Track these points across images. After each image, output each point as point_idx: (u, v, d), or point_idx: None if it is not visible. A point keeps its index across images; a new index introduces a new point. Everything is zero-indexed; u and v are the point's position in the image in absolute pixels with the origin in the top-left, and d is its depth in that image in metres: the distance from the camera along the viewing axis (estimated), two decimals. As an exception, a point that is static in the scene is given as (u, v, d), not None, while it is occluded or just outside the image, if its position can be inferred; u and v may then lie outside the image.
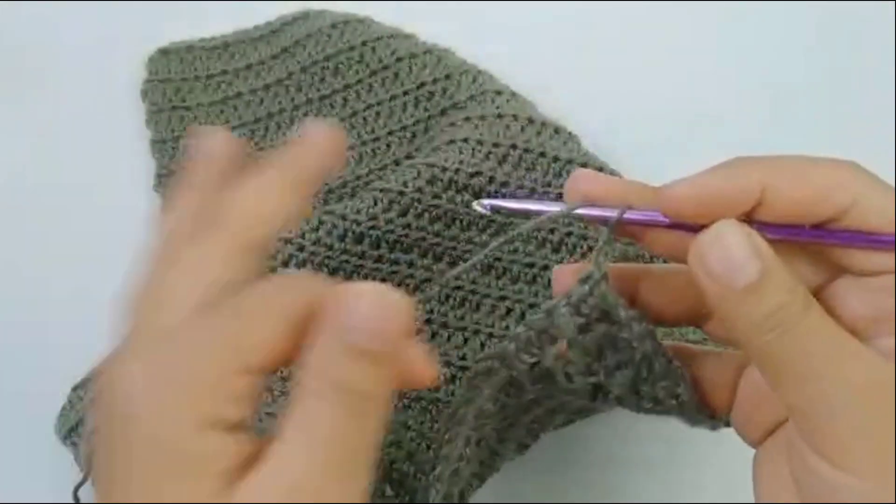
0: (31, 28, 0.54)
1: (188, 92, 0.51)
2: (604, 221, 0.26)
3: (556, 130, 0.44)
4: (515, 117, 0.44)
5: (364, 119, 0.48)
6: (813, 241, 0.25)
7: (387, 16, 0.51)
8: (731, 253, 0.23)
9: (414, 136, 0.47)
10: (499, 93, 0.46)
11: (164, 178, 0.48)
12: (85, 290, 0.45)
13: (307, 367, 0.22)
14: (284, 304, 0.23)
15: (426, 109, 0.47)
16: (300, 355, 0.22)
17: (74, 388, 0.39)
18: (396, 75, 0.48)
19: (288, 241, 0.40)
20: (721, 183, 0.24)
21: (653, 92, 0.50)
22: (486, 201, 0.28)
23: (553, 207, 0.27)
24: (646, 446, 0.42)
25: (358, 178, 0.47)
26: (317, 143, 0.26)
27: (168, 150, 0.49)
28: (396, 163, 0.47)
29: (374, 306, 0.22)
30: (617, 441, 0.42)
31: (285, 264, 0.40)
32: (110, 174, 0.49)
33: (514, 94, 0.47)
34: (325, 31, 0.50)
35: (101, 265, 0.45)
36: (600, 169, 0.44)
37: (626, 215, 0.26)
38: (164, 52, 0.52)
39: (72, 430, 0.38)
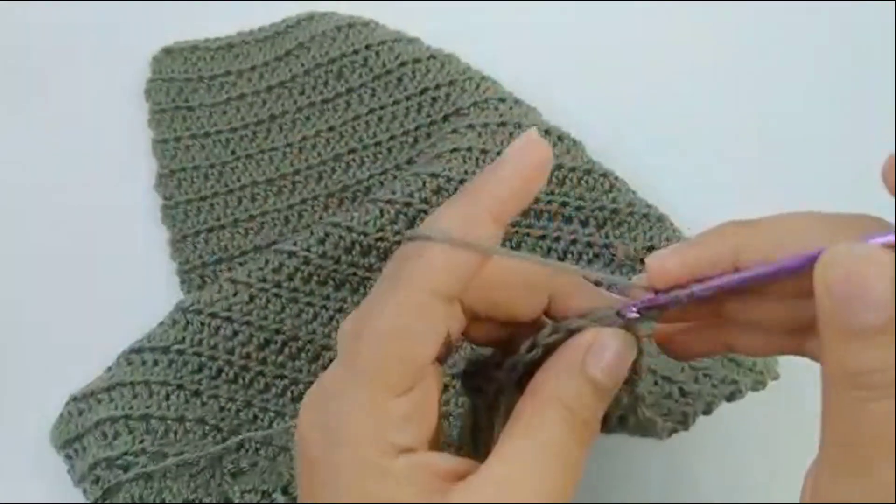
0: (36, 27, 0.54)
1: (192, 92, 0.51)
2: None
3: (560, 137, 0.44)
4: (519, 125, 0.44)
5: (366, 123, 0.48)
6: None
7: (389, 15, 0.51)
8: (860, 286, 0.20)
9: (416, 141, 0.47)
10: (502, 100, 0.46)
11: (165, 178, 0.48)
12: (86, 290, 0.45)
13: (538, 390, 0.25)
14: (440, 331, 0.24)
15: (429, 115, 0.47)
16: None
17: (74, 399, 0.39)
18: (400, 80, 0.48)
19: (292, 255, 0.40)
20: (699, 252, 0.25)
21: (653, 93, 0.50)
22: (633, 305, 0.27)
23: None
24: (646, 445, 0.42)
25: (359, 182, 0.47)
26: (522, 163, 0.25)
27: (170, 150, 0.49)
28: (398, 167, 0.47)
29: (617, 350, 0.25)
30: (616, 441, 0.42)
31: (290, 277, 0.40)
32: (112, 173, 0.49)
33: (517, 102, 0.47)
34: (329, 34, 0.50)
35: (102, 265, 0.46)
36: (603, 175, 0.43)
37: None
38: (168, 52, 0.53)
39: (68, 442, 0.38)
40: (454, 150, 0.43)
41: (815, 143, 0.48)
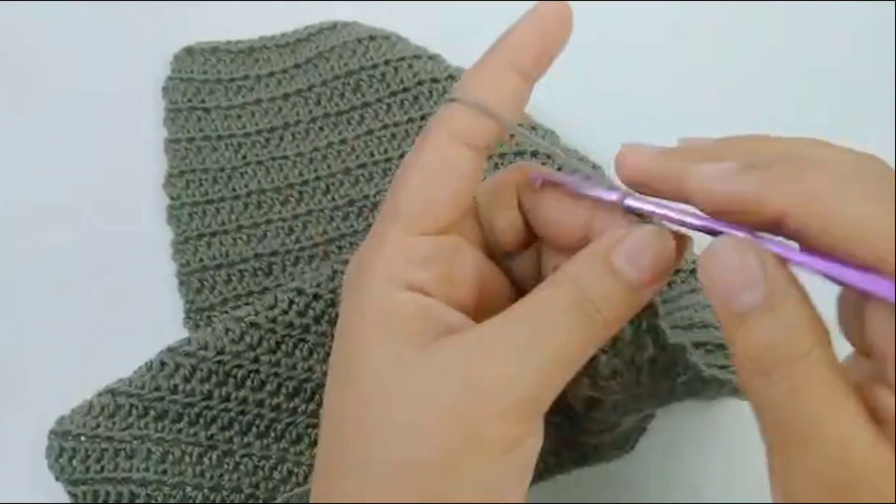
0: (50, 26, 0.54)
1: (208, 93, 0.51)
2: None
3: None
4: (535, 153, 0.43)
5: (379, 139, 0.48)
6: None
7: (389, 15, 0.51)
8: (729, 271, 0.21)
9: (427, 161, 0.46)
10: (519, 124, 0.45)
11: (174, 179, 0.48)
12: (88, 290, 0.45)
13: (561, 270, 0.24)
14: (464, 177, 0.25)
15: (441, 136, 0.46)
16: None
17: (54, 434, 0.37)
18: (416, 98, 0.47)
19: (240, 320, 0.37)
20: (737, 193, 0.22)
21: (653, 93, 0.50)
22: (537, 173, 0.27)
23: (609, 195, 0.25)
24: (646, 445, 0.41)
25: (366, 197, 0.46)
26: (541, 21, 0.25)
27: (181, 151, 0.49)
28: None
29: (650, 245, 0.24)
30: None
31: (235, 342, 0.37)
32: (123, 171, 0.49)
33: (532, 129, 0.46)
34: (350, 46, 0.50)
35: (107, 264, 0.46)
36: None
37: (664, 212, 0.24)
38: (189, 52, 0.52)
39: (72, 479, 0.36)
40: None
41: None
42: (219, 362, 0.37)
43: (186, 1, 0.55)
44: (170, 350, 0.38)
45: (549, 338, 0.23)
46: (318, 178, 0.47)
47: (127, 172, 0.49)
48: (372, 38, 0.50)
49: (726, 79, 0.51)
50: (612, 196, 0.25)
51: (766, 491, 0.37)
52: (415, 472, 0.23)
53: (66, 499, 0.37)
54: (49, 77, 0.52)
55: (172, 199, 0.47)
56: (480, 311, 0.27)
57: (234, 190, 0.48)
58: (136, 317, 0.45)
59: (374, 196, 0.46)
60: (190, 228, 0.46)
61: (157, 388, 0.37)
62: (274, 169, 0.48)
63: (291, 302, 0.37)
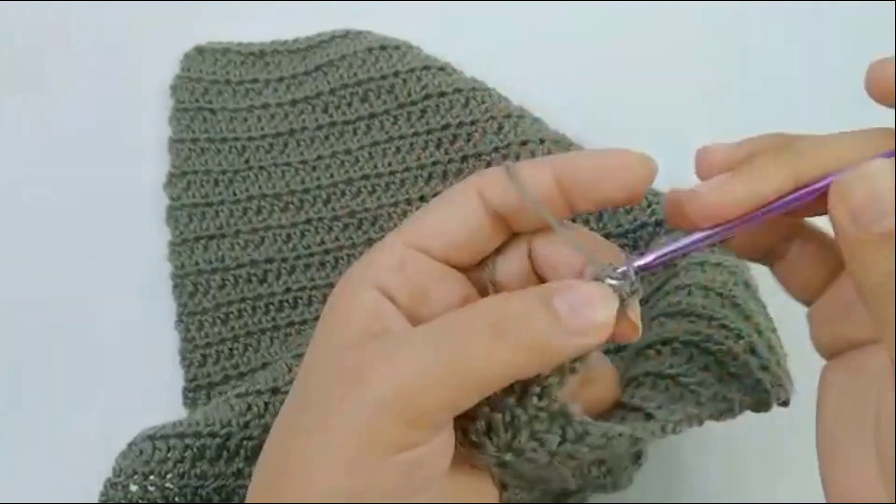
0: (56, 24, 0.54)
1: (216, 94, 0.51)
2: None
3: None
4: None
5: (384, 151, 0.47)
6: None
7: (389, 15, 0.51)
8: (880, 195, 0.22)
9: (430, 177, 0.46)
10: (524, 143, 0.44)
11: (175, 179, 0.47)
12: (86, 287, 0.45)
13: (495, 295, 0.25)
14: (468, 218, 0.26)
15: (447, 153, 0.46)
16: None
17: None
18: (423, 112, 0.47)
19: (215, 435, 0.33)
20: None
21: (652, 93, 0.49)
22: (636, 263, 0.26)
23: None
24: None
25: (366, 209, 0.46)
26: (624, 166, 0.26)
27: (184, 151, 0.48)
28: (408, 202, 0.45)
29: (595, 295, 0.24)
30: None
31: (211, 461, 0.33)
32: (128, 171, 0.49)
33: (541, 141, 0.45)
34: (360, 55, 0.49)
35: (108, 264, 0.45)
36: None
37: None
38: (200, 51, 0.52)
39: None
40: None
41: None
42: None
43: (203, 0, 0.54)
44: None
45: (451, 354, 0.23)
46: (319, 187, 0.47)
47: (130, 171, 0.49)
48: (383, 48, 0.49)
49: (726, 79, 0.51)
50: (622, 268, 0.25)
51: (766, 491, 0.38)
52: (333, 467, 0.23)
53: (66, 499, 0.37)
54: (56, 73, 0.52)
55: (172, 199, 0.47)
56: None
57: (234, 194, 0.47)
58: (128, 317, 0.45)
59: (376, 209, 0.46)
60: (188, 230, 0.46)
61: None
62: (276, 175, 0.48)
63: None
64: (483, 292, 0.28)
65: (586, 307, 0.23)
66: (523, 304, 0.23)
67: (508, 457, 0.25)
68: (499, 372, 0.23)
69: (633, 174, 0.25)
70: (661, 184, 0.43)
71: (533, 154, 0.44)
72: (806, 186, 0.24)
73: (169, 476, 0.32)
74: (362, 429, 0.23)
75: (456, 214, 0.26)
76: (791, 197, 0.24)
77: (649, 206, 0.41)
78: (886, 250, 0.22)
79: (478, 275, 0.28)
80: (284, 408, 0.26)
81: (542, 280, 0.27)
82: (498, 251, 0.27)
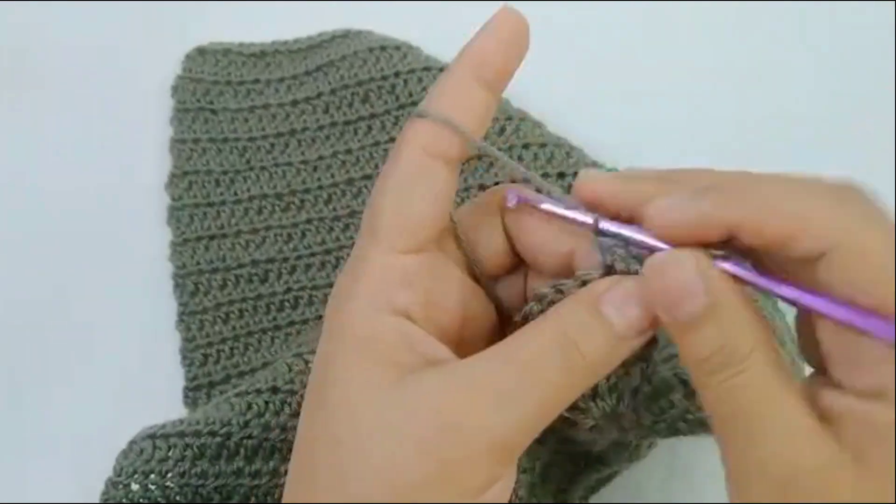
0: (57, 24, 0.54)
1: (217, 95, 0.51)
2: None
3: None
4: (546, 175, 0.43)
5: (384, 151, 0.47)
6: (778, 292, 0.22)
7: (388, 15, 0.51)
8: (673, 284, 0.22)
9: (431, 176, 0.46)
10: (526, 146, 0.44)
11: (177, 179, 0.48)
12: (92, 289, 0.45)
13: (548, 314, 0.24)
14: (440, 190, 0.25)
15: (447, 152, 0.46)
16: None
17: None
18: (423, 113, 0.47)
19: (215, 434, 0.33)
20: (693, 216, 0.23)
21: (652, 94, 0.49)
22: (514, 192, 0.26)
23: (585, 218, 0.25)
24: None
25: (367, 209, 0.46)
26: (499, 31, 0.26)
27: (186, 151, 0.49)
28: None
29: (639, 297, 0.23)
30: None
31: (212, 460, 0.33)
32: (129, 171, 0.49)
33: (542, 146, 0.45)
34: (361, 55, 0.49)
35: (110, 263, 0.46)
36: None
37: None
38: (201, 52, 0.52)
39: None
40: None
41: (815, 143, 0.47)
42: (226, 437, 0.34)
43: (204, 1, 0.54)
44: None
45: (531, 385, 0.23)
46: (320, 187, 0.47)
47: (130, 171, 0.49)
48: (383, 48, 0.49)
49: (725, 78, 0.51)
50: (588, 219, 0.25)
51: None
52: None
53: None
54: (57, 74, 0.52)
55: (174, 199, 0.47)
56: (464, 336, 0.26)
57: (235, 194, 0.47)
58: (130, 317, 0.45)
59: (376, 208, 0.46)
60: (189, 230, 0.46)
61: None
62: (277, 175, 0.48)
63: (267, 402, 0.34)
64: (472, 272, 0.28)
65: (633, 307, 0.23)
66: (580, 324, 0.23)
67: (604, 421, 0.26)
68: (574, 394, 0.24)
69: (524, 32, 0.26)
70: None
71: (536, 157, 0.44)
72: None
73: (170, 475, 0.32)
74: (460, 470, 0.22)
75: (427, 191, 0.25)
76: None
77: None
78: (688, 338, 0.22)
79: (457, 252, 0.27)
80: (328, 456, 0.23)
81: (516, 252, 0.27)
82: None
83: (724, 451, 0.22)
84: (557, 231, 0.26)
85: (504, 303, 0.29)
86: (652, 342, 0.25)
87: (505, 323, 0.28)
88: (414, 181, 0.25)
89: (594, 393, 0.26)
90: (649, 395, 0.27)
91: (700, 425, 0.28)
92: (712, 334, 0.21)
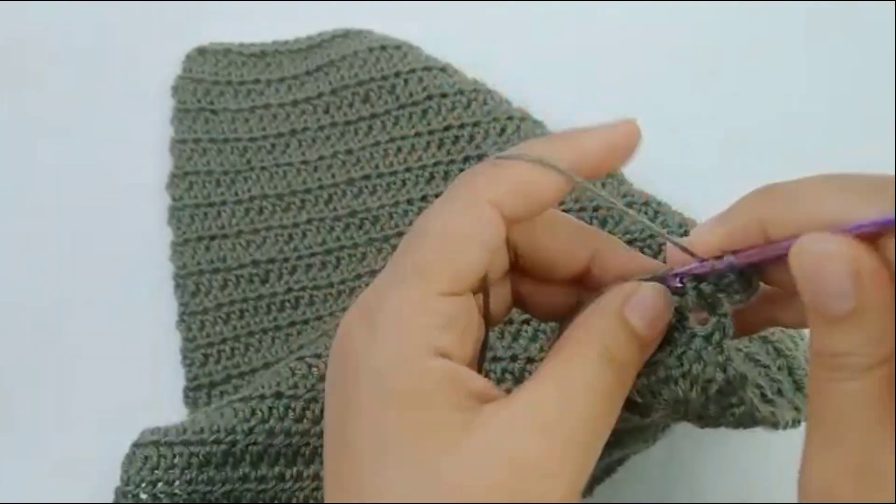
0: (57, 24, 0.54)
1: (218, 95, 0.51)
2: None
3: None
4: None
5: (385, 151, 0.47)
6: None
7: (388, 15, 0.52)
8: (827, 278, 0.21)
9: (432, 177, 0.46)
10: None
11: (177, 179, 0.48)
12: (93, 289, 0.45)
13: (577, 328, 0.25)
14: (484, 235, 0.24)
15: (449, 153, 0.46)
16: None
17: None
18: (424, 113, 0.47)
19: (220, 442, 0.33)
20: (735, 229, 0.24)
21: (652, 93, 0.50)
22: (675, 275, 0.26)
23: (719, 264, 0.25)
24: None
25: (368, 209, 0.46)
26: (610, 135, 0.26)
27: (186, 151, 0.49)
28: (409, 202, 0.46)
29: (656, 303, 0.25)
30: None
31: (218, 467, 0.33)
32: (129, 171, 0.49)
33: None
34: (361, 55, 0.49)
35: (111, 264, 0.46)
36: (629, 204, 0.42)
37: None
38: (201, 52, 0.52)
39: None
40: None
41: (815, 143, 0.47)
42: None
43: (204, 1, 0.54)
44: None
45: (590, 406, 0.23)
46: (321, 188, 0.47)
47: (130, 171, 0.49)
48: (383, 48, 0.49)
49: (725, 78, 0.51)
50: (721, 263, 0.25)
51: (766, 491, 0.37)
52: None
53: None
54: (58, 74, 0.52)
55: (174, 200, 0.47)
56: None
57: (236, 194, 0.47)
58: (130, 317, 0.45)
59: (377, 209, 0.46)
60: (190, 230, 0.46)
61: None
62: (277, 175, 0.48)
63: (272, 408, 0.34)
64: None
65: (652, 312, 0.24)
66: (615, 335, 0.24)
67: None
68: (619, 409, 0.25)
69: (633, 133, 0.27)
70: (662, 182, 0.44)
71: None
72: (773, 242, 0.24)
73: (177, 483, 0.32)
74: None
75: (475, 243, 0.24)
76: (753, 251, 0.24)
77: (656, 215, 0.41)
78: (831, 329, 0.22)
79: None
80: None
81: (519, 269, 0.27)
82: None
83: (809, 433, 0.22)
84: (578, 236, 0.27)
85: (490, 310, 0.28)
86: (725, 329, 0.25)
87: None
88: (466, 225, 0.24)
89: (666, 377, 0.26)
90: (723, 388, 0.26)
91: (767, 423, 0.29)
92: (850, 338, 0.21)
